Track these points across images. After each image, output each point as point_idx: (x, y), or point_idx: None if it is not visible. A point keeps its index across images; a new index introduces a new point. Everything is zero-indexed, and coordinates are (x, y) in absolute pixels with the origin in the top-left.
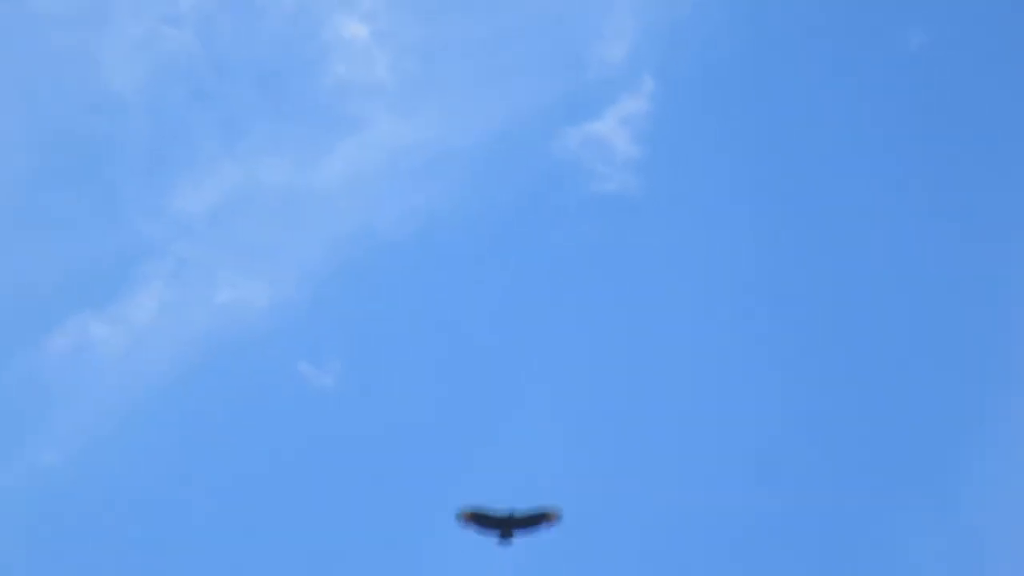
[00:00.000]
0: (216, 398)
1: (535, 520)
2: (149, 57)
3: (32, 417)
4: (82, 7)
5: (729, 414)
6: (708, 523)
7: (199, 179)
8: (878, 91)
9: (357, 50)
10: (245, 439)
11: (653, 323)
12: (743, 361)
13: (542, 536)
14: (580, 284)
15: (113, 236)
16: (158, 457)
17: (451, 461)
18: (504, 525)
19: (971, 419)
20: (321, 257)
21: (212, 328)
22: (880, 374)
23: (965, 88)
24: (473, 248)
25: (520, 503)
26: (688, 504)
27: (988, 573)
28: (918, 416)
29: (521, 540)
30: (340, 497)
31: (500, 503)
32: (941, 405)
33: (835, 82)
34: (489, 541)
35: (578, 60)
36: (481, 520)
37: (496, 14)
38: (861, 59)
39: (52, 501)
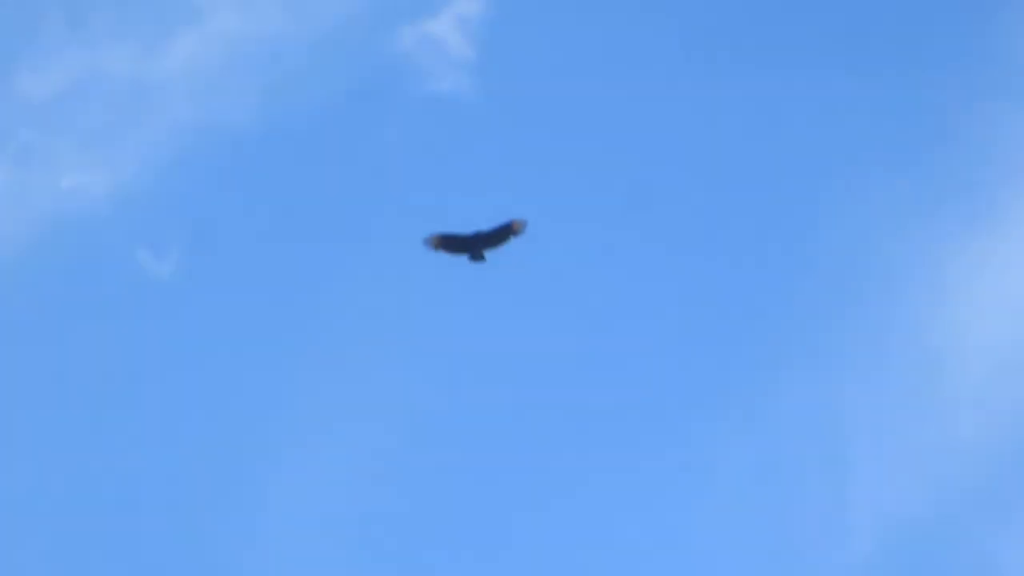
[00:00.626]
0: (55, 280)
1: (502, 234)
2: None
3: None
4: None
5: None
6: None
7: (43, 66)
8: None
9: None
10: (82, 323)
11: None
12: (575, 264)
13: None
14: (411, 178)
15: None
16: None
17: (282, 354)
18: (472, 245)
19: None
20: (162, 145)
21: (54, 212)
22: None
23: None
24: (310, 140)
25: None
26: None
27: None
28: None
29: (491, 256)
30: (170, 385)
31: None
32: None
33: None
34: None
35: None
36: (449, 244)
37: None
38: None
39: None
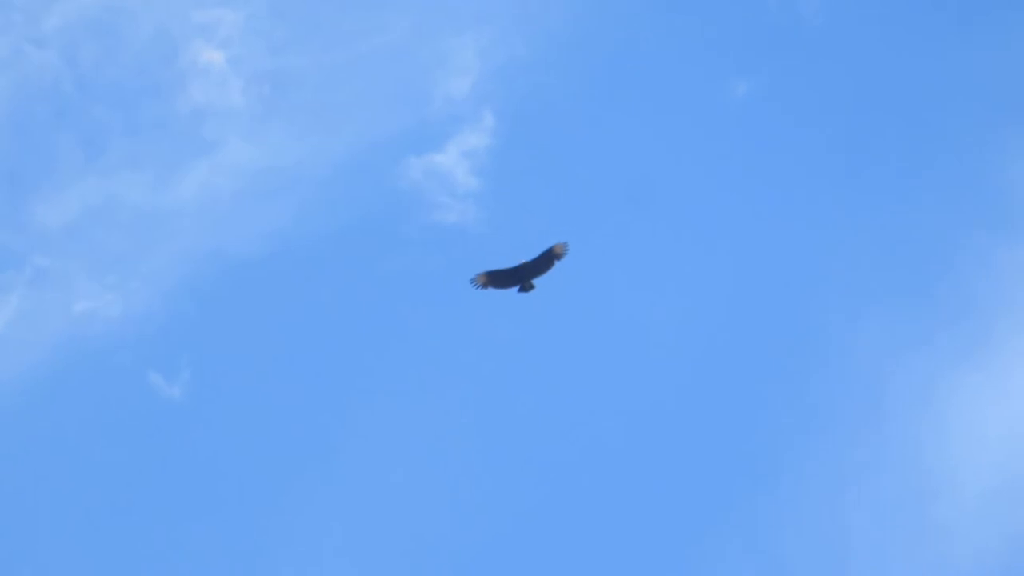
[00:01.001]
0: (70, 403)
1: (546, 261)
2: (13, 75)
3: None
4: None
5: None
6: None
7: (59, 194)
8: (706, 136)
9: (213, 75)
10: (95, 443)
11: (487, 346)
12: (585, 397)
13: None
14: (419, 306)
15: None
16: (12, 459)
17: (292, 473)
18: (519, 276)
19: None
20: (174, 273)
21: (68, 336)
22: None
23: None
24: (318, 269)
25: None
26: None
27: None
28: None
29: (540, 282)
30: (185, 502)
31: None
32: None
33: (663, 122)
34: None
35: (423, 94)
36: (496, 280)
37: (347, 46)
38: (690, 104)
39: None
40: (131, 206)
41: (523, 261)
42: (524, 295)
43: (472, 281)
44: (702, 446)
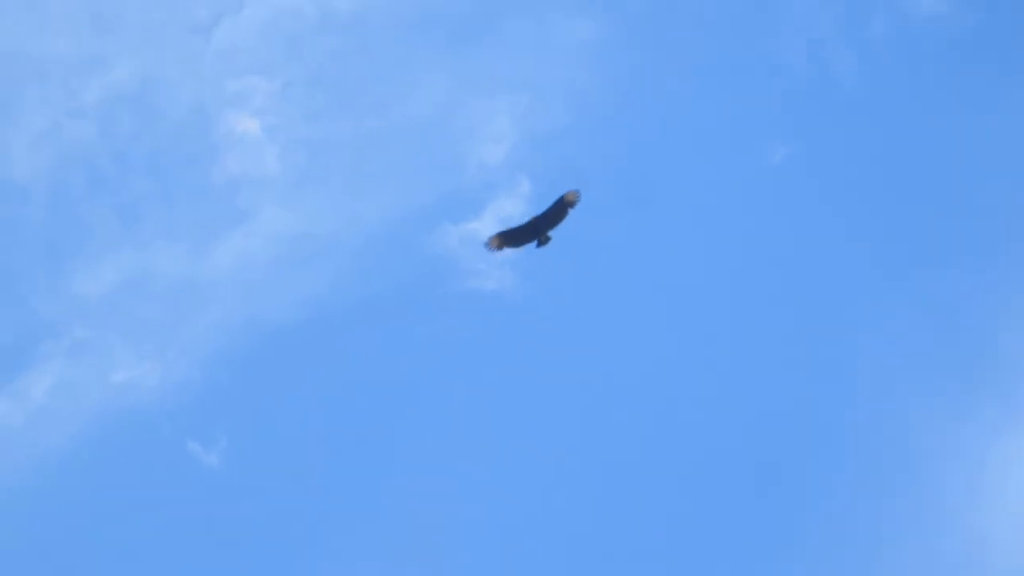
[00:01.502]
0: (109, 472)
1: (558, 211)
2: (52, 147)
3: None
4: None
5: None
6: None
7: (97, 265)
8: (743, 201)
9: (248, 144)
10: (135, 511)
11: (525, 414)
12: (615, 461)
13: None
14: (458, 373)
15: (13, 317)
16: (53, 528)
17: (329, 540)
18: (533, 231)
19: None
20: (211, 341)
21: (107, 406)
22: None
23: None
24: (355, 337)
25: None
26: None
27: None
28: None
29: (556, 233)
30: (224, 570)
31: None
32: None
33: (700, 190)
34: None
35: (459, 161)
36: (511, 239)
37: (382, 114)
38: (727, 170)
39: None
40: (168, 276)
41: (535, 215)
42: (542, 248)
43: (486, 246)
44: (737, 515)
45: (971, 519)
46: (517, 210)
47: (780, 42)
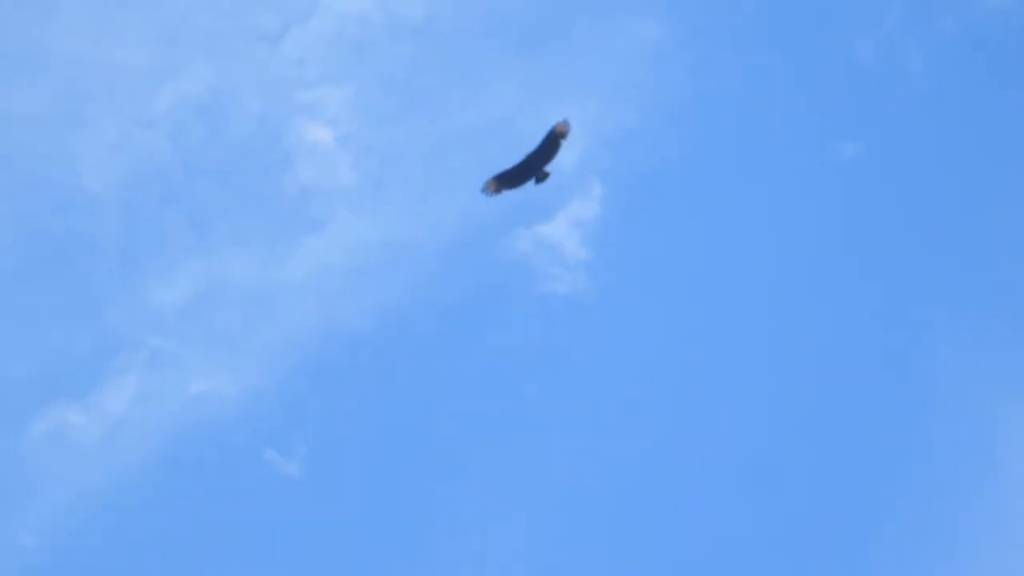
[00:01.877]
0: (190, 482)
1: (551, 145)
2: (123, 158)
3: (13, 500)
4: (60, 109)
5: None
6: None
7: (171, 275)
8: (814, 200)
9: (320, 153)
10: (216, 521)
11: (599, 417)
12: (699, 465)
13: None
14: (533, 378)
15: (89, 329)
16: (132, 539)
17: (410, 549)
18: (528, 169)
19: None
20: (288, 350)
21: (184, 416)
22: None
23: (898, 201)
24: (431, 343)
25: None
26: None
27: None
28: None
29: (552, 168)
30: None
31: None
32: None
33: (771, 188)
34: None
35: None
36: (507, 181)
37: (454, 119)
38: (797, 168)
39: None
40: (243, 285)
41: (527, 153)
42: (542, 185)
43: (483, 191)
44: (820, 519)
45: None
46: (590, 213)
47: (849, 38)
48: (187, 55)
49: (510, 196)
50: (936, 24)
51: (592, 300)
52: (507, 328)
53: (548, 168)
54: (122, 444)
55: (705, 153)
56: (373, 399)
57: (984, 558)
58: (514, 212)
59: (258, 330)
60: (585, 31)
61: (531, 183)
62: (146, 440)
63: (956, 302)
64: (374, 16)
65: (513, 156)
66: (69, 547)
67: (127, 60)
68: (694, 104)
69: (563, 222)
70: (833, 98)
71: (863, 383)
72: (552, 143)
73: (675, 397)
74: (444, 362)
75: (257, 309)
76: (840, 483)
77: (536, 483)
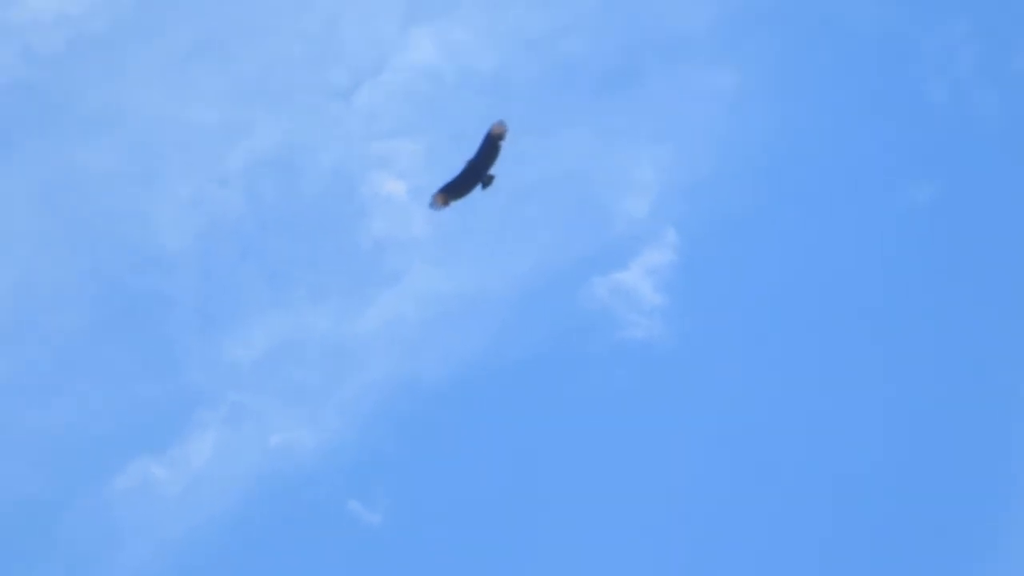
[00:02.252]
0: (271, 534)
1: (490, 148)
2: (198, 215)
3: (100, 553)
4: (135, 167)
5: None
6: None
7: (248, 330)
8: (890, 243)
9: (394, 205)
10: (298, 573)
11: (683, 464)
12: (771, 509)
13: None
14: (614, 427)
15: (169, 385)
16: None
17: None
18: (472, 176)
19: None
20: (366, 402)
21: (265, 469)
22: None
23: (975, 243)
24: (509, 392)
25: None
26: None
27: None
28: None
29: (497, 172)
30: None
31: None
32: None
33: (847, 234)
34: None
35: (604, 213)
36: (453, 191)
37: (526, 169)
38: (873, 212)
39: None
40: (319, 338)
41: (468, 160)
42: (488, 191)
43: (431, 206)
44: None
45: None
46: (665, 260)
47: (921, 81)
48: (260, 111)
49: (583, 243)
50: (1010, 65)
51: (670, 346)
52: (586, 375)
53: (492, 172)
54: (204, 497)
55: (779, 198)
56: (453, 449)
57: None
58: (589, 261)
59: (336, 382)
60: (658, 78)
61: (478, 189)
62: (228, 492)
63: None
64: (445, 68)
65: (590, 205)
66: None
67: (200, 117)
68: (767, 150)
69: (638, 269)
70: (908, 141)
71: (944, 421)
72: (491, 146)
73: (757, 439)
74: (523, 411)
75: (334, 361)
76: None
77: (619, 532)
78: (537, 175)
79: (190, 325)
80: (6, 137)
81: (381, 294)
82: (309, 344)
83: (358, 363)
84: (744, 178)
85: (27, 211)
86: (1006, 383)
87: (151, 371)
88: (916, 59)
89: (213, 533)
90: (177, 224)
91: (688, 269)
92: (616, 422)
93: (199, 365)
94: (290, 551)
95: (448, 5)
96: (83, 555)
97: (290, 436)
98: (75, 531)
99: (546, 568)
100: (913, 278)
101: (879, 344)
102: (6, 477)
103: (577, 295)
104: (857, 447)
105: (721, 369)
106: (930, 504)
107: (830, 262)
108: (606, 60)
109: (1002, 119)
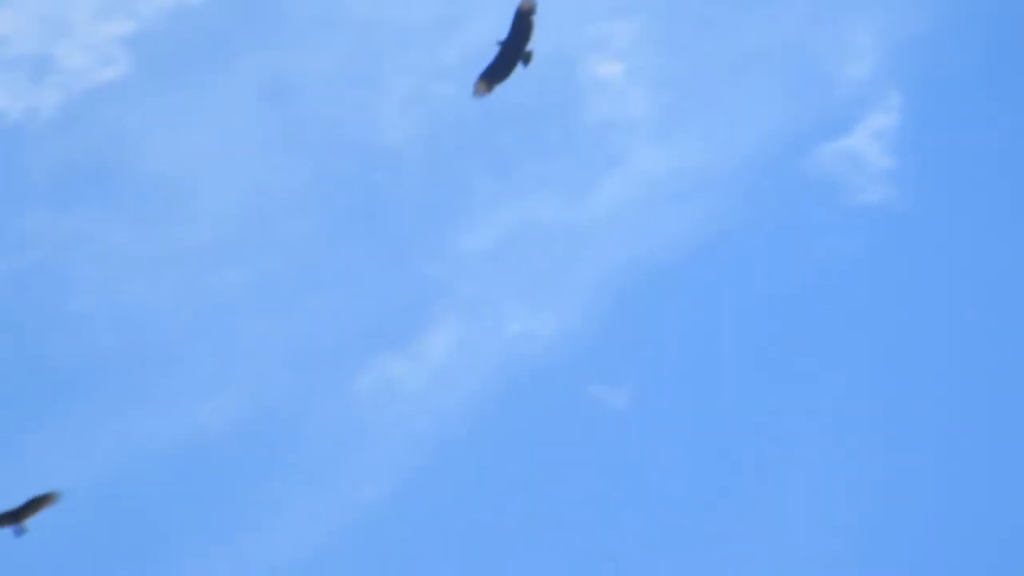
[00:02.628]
0: (515, 424)
1: (522, 27)
2: (420, 111)
3: (350, 454)
4: (354, 69)
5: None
6: None
7: (478, 221)
8: None
9: (613, 87)
10: (545, 463)
11: (922, 330)
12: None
13: None
14: (850, 294)
15: (404, 282)
16: (466, 481)
17: (744, 476)
18: (509, 57)
19: None
20: (599, 285)
21: (505, 359)
22: None
23: None
24: (740, 266)
25: None
26: None
27: None
28: None
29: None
30: (637, 511)
31: None
32: None
33: None
34: None
35: (824, 80)
36: (493, 76)
37: (741, 42)
38: None
39: (378, 534)
40: (548, 225)
41: (501, 42)
42: (531, 67)
43: (475, 95)
44: None
45: None
46: (891, 123)
47: None
48: (471, 4)
49: (805, 112)
50: None
51: (901, 208)
52: (818, 241)
53: (529, 48)
54: (447, 391)
55: (1001, 52)
56: (691, 328)
57: None
58: (812, 130)
59: (569, 267)
60: None
61: (520, 68)
62: (470, 385)
63: None
64: None
65: (810, 73)
66: (407, 495)
67: (414, 15)
68: (987, 4)
69: (862, 134)
70: None
71: None
72: (523, 23)
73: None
74: (755, 283)
75: (565, 247)
76: None
77: (866, 402)
78: (755, 47)
79: (419, 221)
80: (228, 47)
81: (606, 177)
82: (538, 232)
83: (589, 247)
84: (966, 34)
85: (254, 119)
86: None
87: (386, 269)
88: None
89: (458, 426)
90: (399, 120)
91: (913, 131)
92: (853, 285)
93: (432, 260)
94: (535, 440)
95: None
96: (331, 458)
97: (528, 324)
98: (322, 435)
99: (799, 442)
100: None
101: None
102: (251, 386)
103: (802, 164)
104: None
105: (955, 229)
106: None
107: None
108: None
109: None
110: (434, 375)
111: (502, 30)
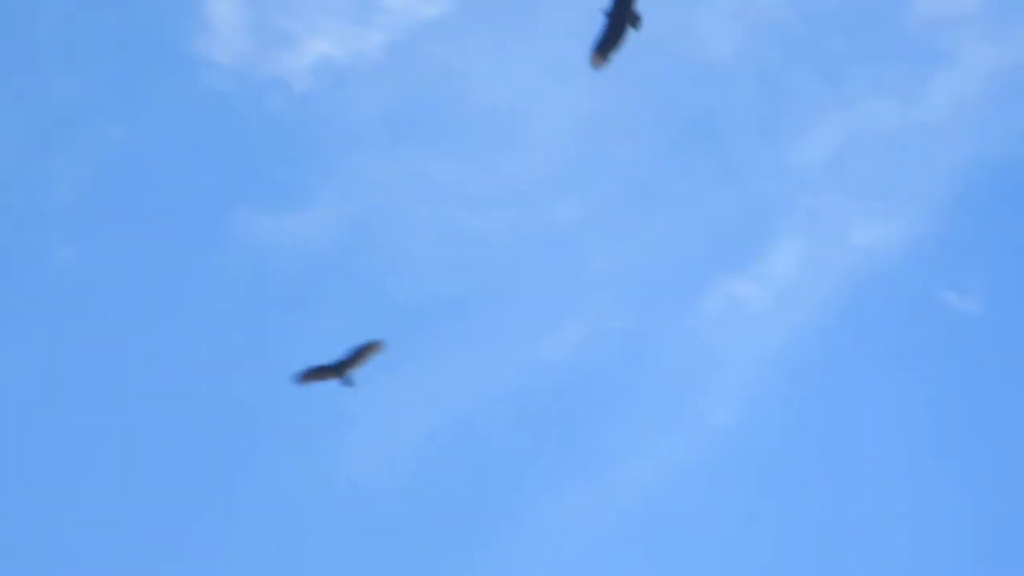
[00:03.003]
0: (865, 335)
1: (361, 355)
2: (742, 23)
3: (698, 381)
4: None
5: None
6: None
7: (809, 132)
8: None
9: None
10: (894, 373)
11: None
12: None
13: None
14: None
15: (741, 199)
16: (816, 406)
17: None
18: (621, 22)
19: None
20: (941, 187)
21: (851, 270)
22: None
23: None
24: None
25: None
26: None
27: None
28: None
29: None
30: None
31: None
32: None
33: None
34: None
35: None
36: (607, 46)
37: None
38: None
39: (730, 461)
40: (883, 130)
41: (606, 11)
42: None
43: (592, 66)
44: None
45: None
46: None
47: None
48: None
49: None
50: None
51: None
52: None
53: (636, 10)
54: (794, 308)
55: None
56: None
57: None
58: None
59: (909, 172)
60: None
61: (631, 32)
62: (818, 300)
63: None
64: None
65: None
66: (760, 421)
67: None
68: None
69: None
70: None
71: None
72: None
73: None
74: None
75: (902, 152)
76: None
77: None
78: None
79: (752, 136)
80: None
81: (938, 76)
82: (873, 137)
83: (928, 149)
84: None
85: (574, 45)
86: None
87: (721, 187)
88: None
89: (808, 344)
90: (723, 35)
91: None
92: None
93: (767, 174)
94: (886, 350)
95: None
96: (680, 385)
97: (872, 233)
98: (669, 362)
99: None
100: None
101: None
102: (595, 316)
103: None
104: None
105: None
106: None
107: None
108: None
109: None
110: (780, 293)
111: None
